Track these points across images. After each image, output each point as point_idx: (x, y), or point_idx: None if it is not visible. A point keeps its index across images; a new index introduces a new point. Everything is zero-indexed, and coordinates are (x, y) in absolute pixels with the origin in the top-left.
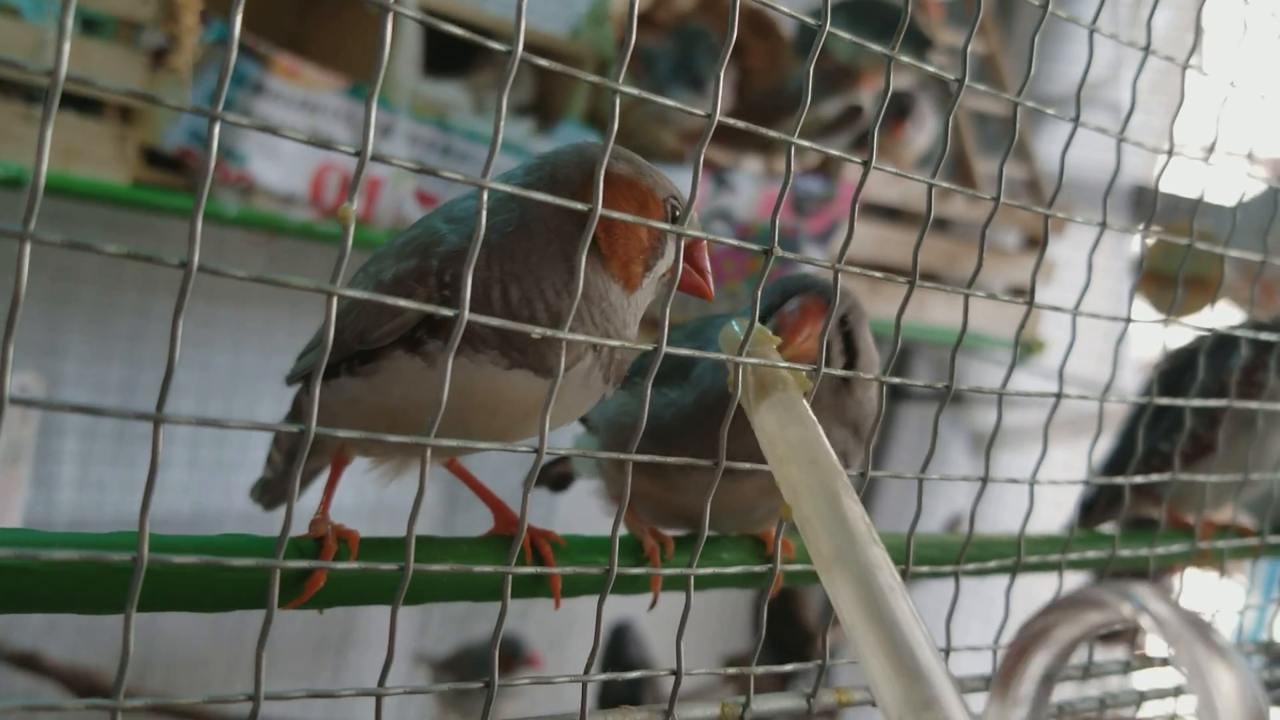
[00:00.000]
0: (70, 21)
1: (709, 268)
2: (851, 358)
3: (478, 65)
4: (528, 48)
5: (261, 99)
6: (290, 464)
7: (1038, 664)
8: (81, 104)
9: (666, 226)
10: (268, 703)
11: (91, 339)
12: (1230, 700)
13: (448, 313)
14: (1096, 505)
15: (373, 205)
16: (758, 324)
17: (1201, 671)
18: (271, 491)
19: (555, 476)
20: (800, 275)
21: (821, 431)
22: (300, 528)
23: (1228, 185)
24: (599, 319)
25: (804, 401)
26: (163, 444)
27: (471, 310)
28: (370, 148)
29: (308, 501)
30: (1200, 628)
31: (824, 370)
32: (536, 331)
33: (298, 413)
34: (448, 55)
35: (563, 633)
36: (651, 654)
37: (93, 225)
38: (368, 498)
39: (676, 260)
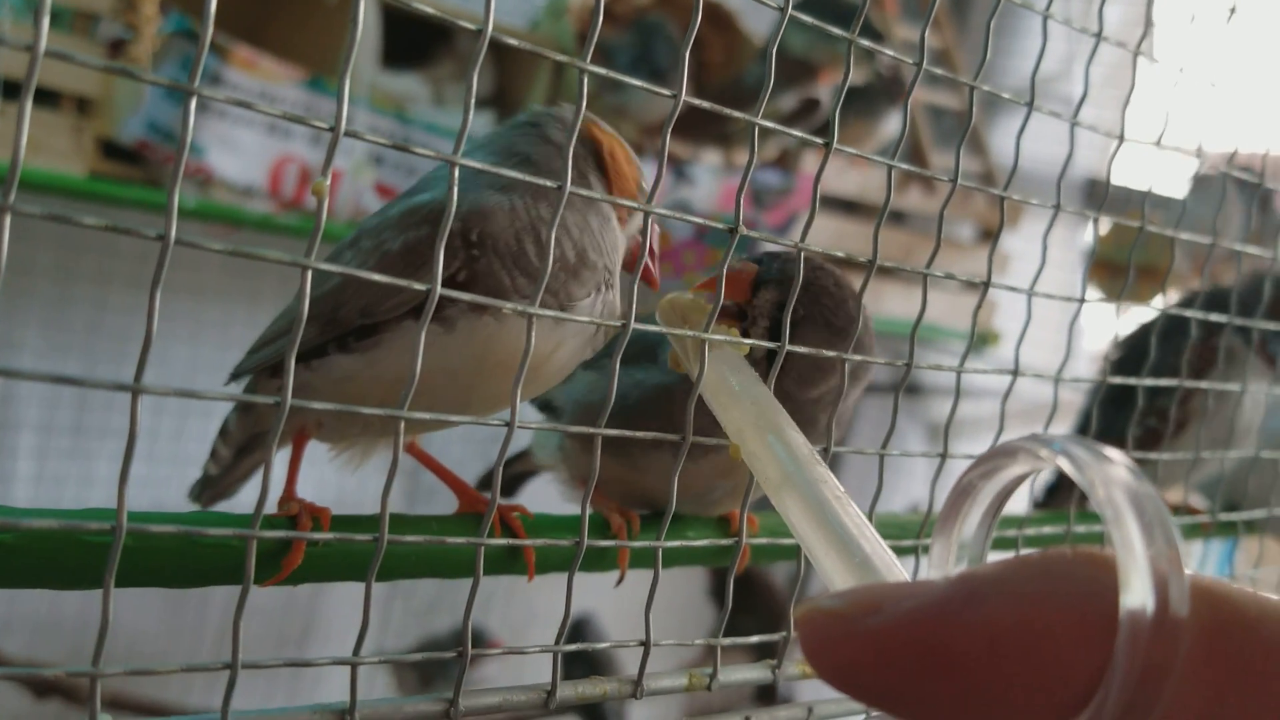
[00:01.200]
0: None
1: (656, 252)
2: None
3: (436, 57)
4: (488, 41)
5: (219, 90)
6: (238, 458)
7: (974, 515)
8: (37, 95)
9: (634, 206)
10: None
11: (47, 332)
12: (1145, 537)
13: (419, 287)
14: (1060, 487)
15: (333, 197)
16: (692, 295)
17: (1119, 510)
18: (212, 489)
19: (508, 479)
20: (766, 252)
21: (759, 378)
22: (269, 506)
23: (1178, 176)
24: (609, 250)
25: (742, 357)
26: (122, 440)
27: (504, 263)
28: (344, 123)
29: (253, 500)
30: (1117, 467)
31: (786, 346)
32: (507, 307)
33: (250, 405)
34: (406, 48)
35: (523, 626)
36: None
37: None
38: (328, 491)
39: (644, 244)
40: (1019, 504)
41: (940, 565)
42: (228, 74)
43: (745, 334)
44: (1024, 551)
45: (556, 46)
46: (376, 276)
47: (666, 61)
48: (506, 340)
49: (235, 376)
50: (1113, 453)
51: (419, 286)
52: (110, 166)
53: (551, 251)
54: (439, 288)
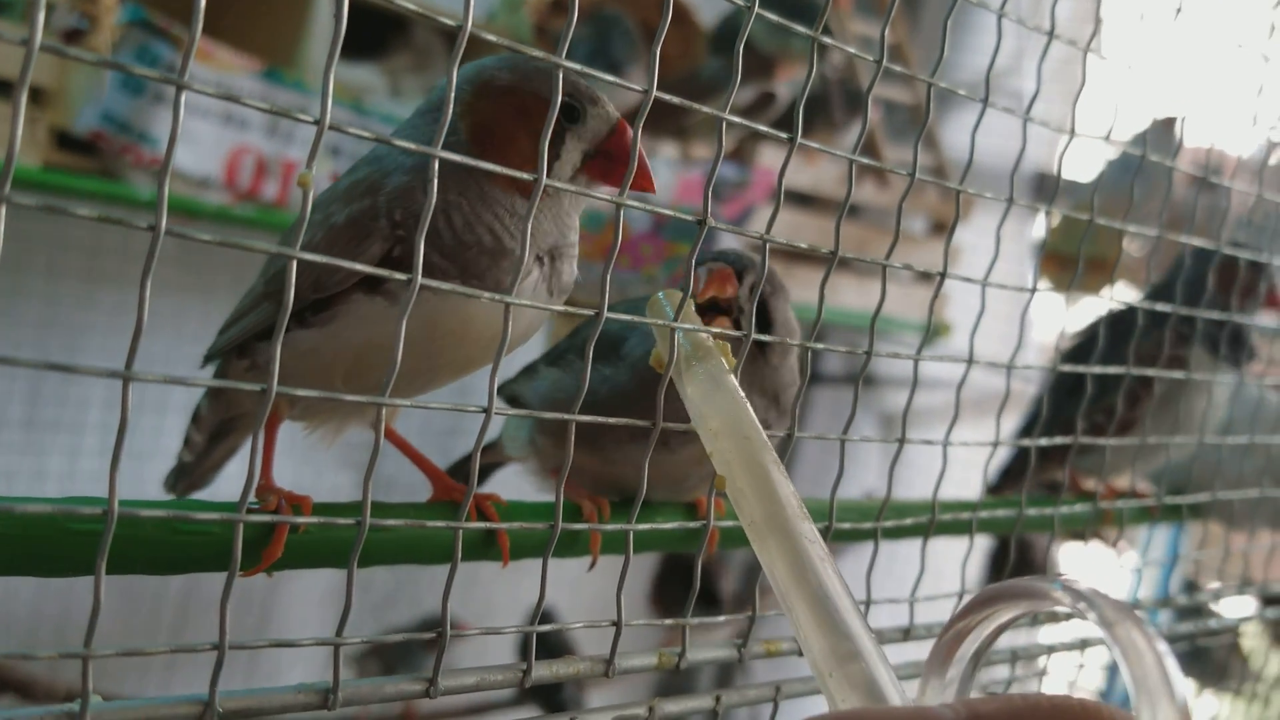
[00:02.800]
0: None
1: (640, 159)
2: (765, 329)
3: (393, 49)
4: (441, 31)
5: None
6: (211, 444)
7: (969, 646)
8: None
9: (605, 199)
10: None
11: None
12: (1154, 666)
13: (400, 277)
14: (1012, 472)
15: (287, 188)
16: (685, 295)
17: (1136, 646)
18: (187, 477)
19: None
20: (716, 249)
21: (749, 406)
22: (251, 486)
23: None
24: (519, 232)
25: (731, 375)
26: (74, 434)
27: (427, 242)
28: (328, 118)
29: (216, 493)
30: (1123, 607)
31: (752, 336)
32: (486, 296)
33: (220, 389)
34: (362, 39)
35: (483, 616)
36: (572, 635)
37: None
38: (283, 482)
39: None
40: (973, 489)
41: (937, 691)
42: None
43: (737, 323)
44: (1019, 683)
45: (514, 38)
46: (363, 268)
47: (623, 55)
48: (450, 312)
49: (209, 359)
50: (1134, 609)
51: (400, 276)
52: (64, 157)
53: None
54: (419, 278)
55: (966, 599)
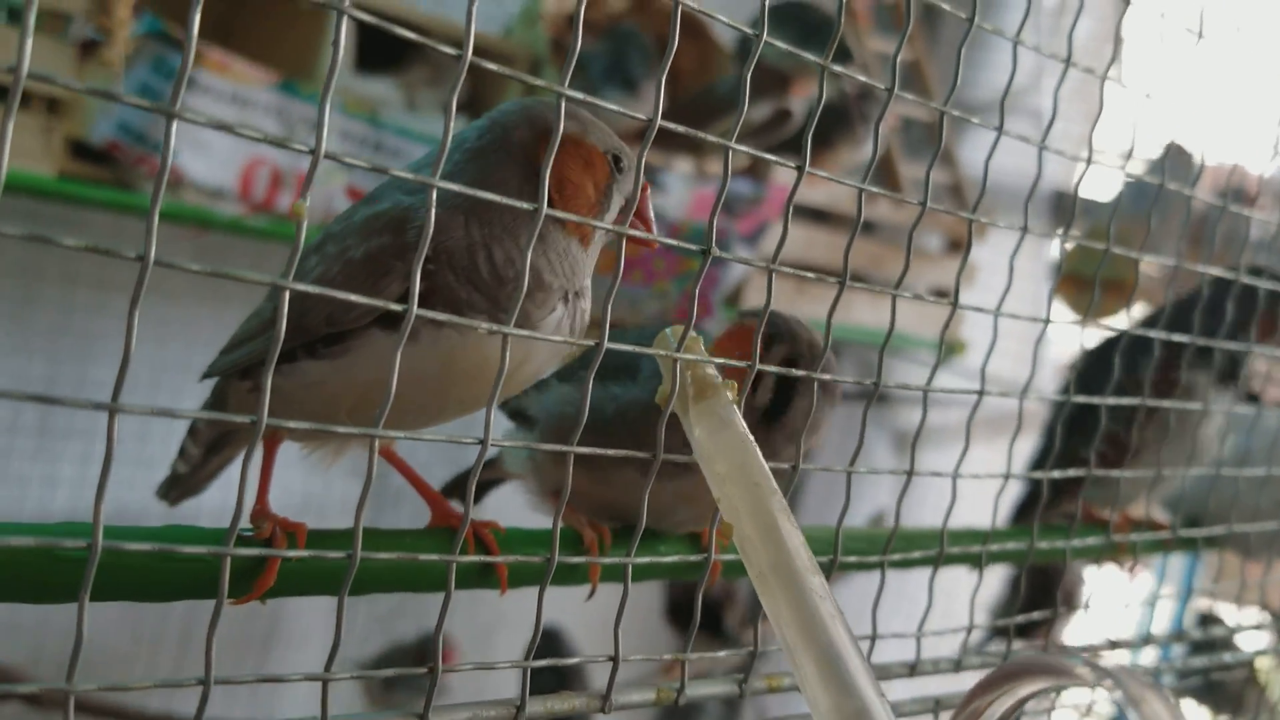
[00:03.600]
0: (33, 17)
1: (652, 216)
2: (781, 408)
3: (409, 62)
4: (456, 45)
5: (191, 93)
6: (208, 456)
7: (993, 713)
8: (6, 94)
9: (606, 228)
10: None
11: (10, 333)
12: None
13: (396, 308)
14: (1029, 506)
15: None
16: (691, 331)
17: (1156, 710)
18: (180, 487)
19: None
20: (755, 309)
21: (758, 450)
22: (243, 521)
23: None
24: (566, 272)
25: (739, 415)
26: (86, 441)
27: (459, 276)
28: (323, 146)
29: (223, 499)
30: (1148, 683)
31: (756, 367)
32: (483, 327)
33: (219, 404)
34: (379, 52)
35: (489, 632)
36: (577, 653)
37: (16, 219)
38: (293, 497)
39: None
40: (986, 513)
41: None
42: (200, 77)
43: (755, 390)
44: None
45: (530, 54)
46: (354, 298)
47: (639, 70)
48: (469, 351)
49: (206, 377)
50: (1158, 686)
51: (395, 307)
52: (80, 167)
53: (527, 267)
54: (415, 308)
55: (975, 634)
